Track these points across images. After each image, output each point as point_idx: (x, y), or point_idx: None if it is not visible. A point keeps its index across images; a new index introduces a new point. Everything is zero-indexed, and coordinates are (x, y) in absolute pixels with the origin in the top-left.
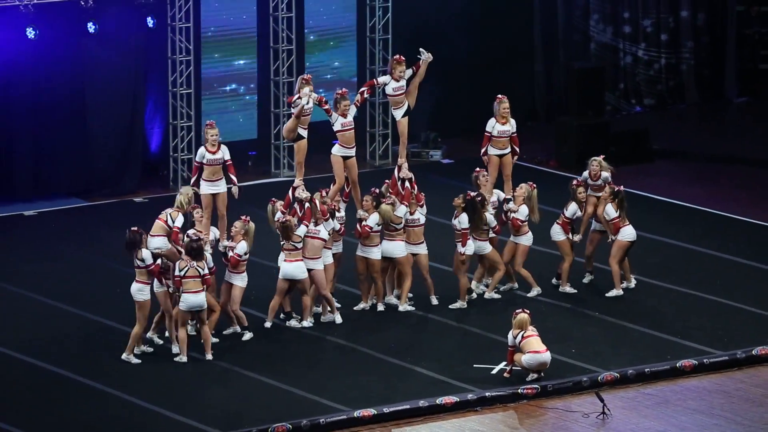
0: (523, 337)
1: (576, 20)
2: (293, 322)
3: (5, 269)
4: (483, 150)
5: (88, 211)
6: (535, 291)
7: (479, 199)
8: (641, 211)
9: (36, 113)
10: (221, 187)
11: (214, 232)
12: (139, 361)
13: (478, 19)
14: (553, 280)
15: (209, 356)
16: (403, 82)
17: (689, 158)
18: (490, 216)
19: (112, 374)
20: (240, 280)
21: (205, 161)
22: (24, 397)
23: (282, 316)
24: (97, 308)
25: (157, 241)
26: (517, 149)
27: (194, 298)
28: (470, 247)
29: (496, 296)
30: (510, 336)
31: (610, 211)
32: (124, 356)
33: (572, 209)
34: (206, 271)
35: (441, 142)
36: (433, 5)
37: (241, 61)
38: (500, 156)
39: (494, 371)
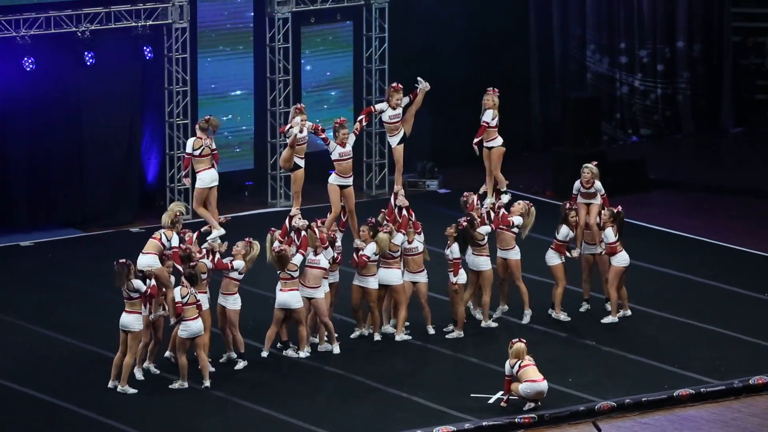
0: (520, 366)
1: (572, 50)
2: (290, 352)
3: (2, 300)
4: (477, 140)
5: (85, 241)
6: (527, 315)
7: (469, 219)
8: (638, 241)
9: (33, 144)
10: (214, 174)
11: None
12: (135, 390)
13: (475, 49)
14: (549, 310)
15: (207, 383)
16: (399, 110)
17: (686, 188)
18: (484, 228)
19: (108, 404)
20: (231, 303)
21: (195, 153)
22: (21, 428)
23: (279, 345)
24: (94, 338)
25: (147, 259)
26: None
27: (195, 324)
28: (462, 277)
29: (494, 325)
30: (507, 365)
31: (610, 234)
32: (120, 388)
33: (564, 232)
34: (201, 298)
35: (438, 172)
36: (429, 36)
37: (238, 92)
38: (489, 149)
39: (491, 400)
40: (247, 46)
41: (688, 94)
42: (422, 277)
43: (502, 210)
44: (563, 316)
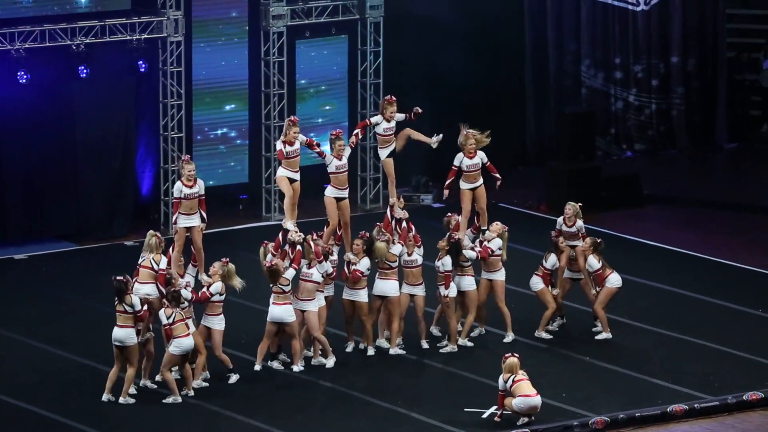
0: (513, 381)
1: (567, 65)
2: (275, 363)
3: None
4: (447, 182)
5: (79, 254)
6: (510, 337)
7: (456, 240)
8: (632, 256)
9: (27, 157)
10: (196, 220)
11: (189, 273)
12: (134, 400)
13: (470, 63)
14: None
15: (191, 392)
16: (393, 123)
17: (680, 203)
18: (470, 252)
19: (103, 417)
20: (218, 324)
21: (182, 195)
22: None
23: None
24: (89, 352)
25: (148, 289)
26: (498, 175)
27: (187, 341)
28: (453, 290)
29: (470, 344)
30: (501, 380)
31: (593, 263)
32: (122, 400)
33: (552, 261)
34: (185, 305)
35: (432, 186)
36: (424, 50)
37: (233, 106)
38: (472, 189)
39: (485, 415)
40: (242, 59)
41: (683, 110)
42: (420, 290)
43: (485, 243)
44: (545, 334)
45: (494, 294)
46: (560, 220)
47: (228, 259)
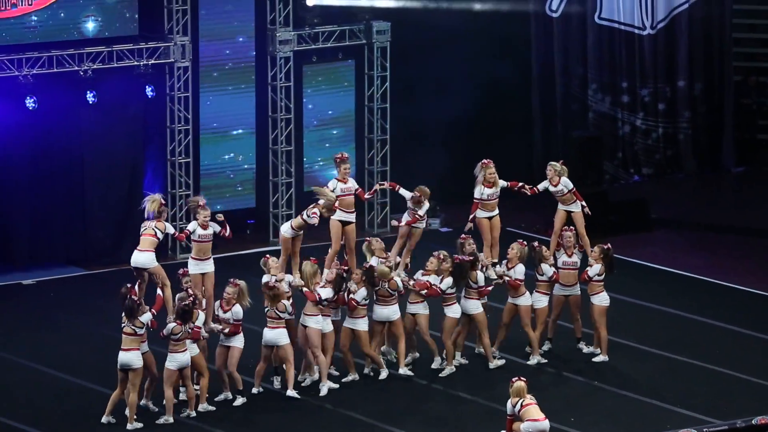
0: (522, 405)
1: (574, 90)
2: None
3: (4, 338)
4: (472, 216)
5: (87, 280)
6: (536, 359)
7: (472, 259)
8: (640, 280)
9: (35, 182)
10: (209, 266)
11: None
12: (141, 425)
13: (477, 87)
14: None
15: (193, 413)
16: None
17: (687, 227)
18: (480, 275)
19: None
20: (238, 341)
21: (196, 237)
22: None
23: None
24: (96, 377)
25: (145, 257)
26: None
27: (183, 357)
28: (457, 311)
29: (501, 363)
30: (509, 405)
31: (597, 269)
32: (129, 426)
33: (545, 269)
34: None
35: (439, 211)
36: (432, 74)
37: (240, 130)
38: (489, 218)
39: None
40: (249, 84)
41: (690, 134)
42: (423, 309)
43: (507, 278)
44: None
45: (520, 318)
46: (545, 183)
47: (234, 279)
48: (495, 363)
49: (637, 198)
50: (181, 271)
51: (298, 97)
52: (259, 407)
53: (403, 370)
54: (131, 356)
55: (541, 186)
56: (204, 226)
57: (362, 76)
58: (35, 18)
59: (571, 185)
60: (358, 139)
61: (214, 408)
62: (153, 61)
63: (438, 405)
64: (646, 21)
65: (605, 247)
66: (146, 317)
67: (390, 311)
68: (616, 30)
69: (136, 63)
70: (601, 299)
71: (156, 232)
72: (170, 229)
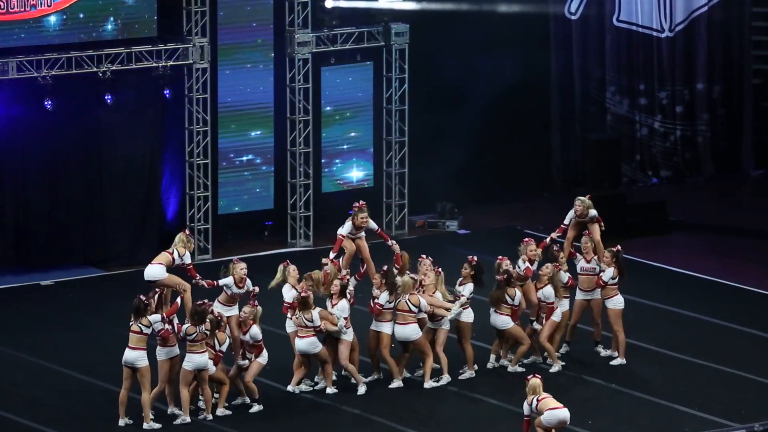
0: (538, 400)
1: (592, 92)
2: (302, 386)
3: (22, 339)
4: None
5: (105, 280)
6: (557, 367)
7: (506, 276)
8: (658, 283)
9: (53, 183)
10: (235, 310)
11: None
12: (160, 425)
13: (496, 89)
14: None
15: (210, 416)
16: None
17: (705, 230)
18: (517, 292)
19: None
20: (261, 358)
21: (229, 292)
22: None
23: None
24: (113, 377)
25: (155, 269)
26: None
27: (199, 358)
28: (470, 315)
29: (520, 369)
30: (525, 405)
31: (610, 273)
32: (145, 426)
33: (562, 277)
34: (220, 347)
35: (457, 213)
36: (450, 77)
37: (258, 132)
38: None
39: None
40: (267, 85)
41: (708, 136)
42: (444, 325)
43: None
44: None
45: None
46: (571, 214)
47: (255, 301)
48: (515, 368)
49: (655, 201)
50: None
51: (316, 98)
52: (284, 408)
53: (429, 384)
54: (135, 355)
55: (566, 219)
56: (240, 285)
57: (380, 78)
58: (54, 19)
59: (595, 212)
60: (376, 141)
61: (230, 412)
62: (171, 63)
63: (456, 407)
64: (664, 23)
65: (615, 249)
66: (154, 318)
67: (408, 331)
68: (634, 32)
69: (154, 64)
70: (616, 303)
71: (174, 251)
72: (187, 258)
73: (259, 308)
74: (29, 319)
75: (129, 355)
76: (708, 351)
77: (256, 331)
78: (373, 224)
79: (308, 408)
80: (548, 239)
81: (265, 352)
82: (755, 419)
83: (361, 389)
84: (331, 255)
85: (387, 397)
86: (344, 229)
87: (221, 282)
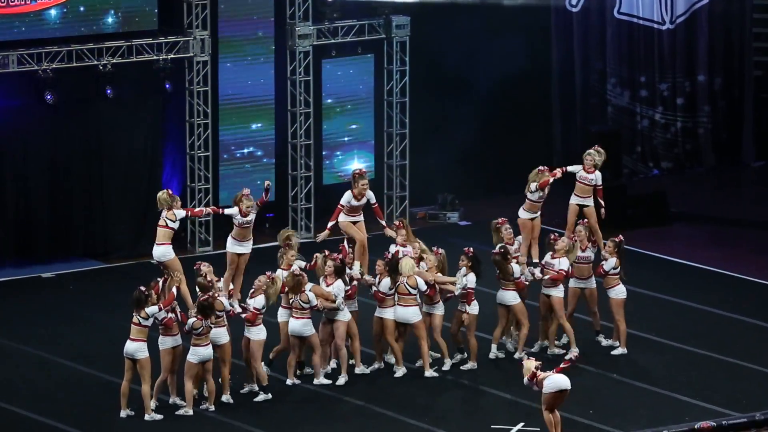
0: (537, 376)
1: (593, 84)
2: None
3: (23, 331)
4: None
5: (106, 273)
6: (574, 352)
7: (502, 251)
8: (659, 274)
9: (54, 176)
10: (248, 247)
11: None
12: (162, 416)
13: (497, 81)
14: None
15: (212, 407)
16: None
17: (706, 221)
18: (516, 266)
19: None
20: (256, 334)
21: (236, 222)
22: None
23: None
24: (115, 369)
25: (162, 250)
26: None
27: (204, 350)
28: (475, 308)
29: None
30: (525, 380)
31: (612, 263)
32: (147, 417)
33: (563, 262)
34: (221, 331)
35: (459, 204)
36: (451, 68)
37: (259, 124)
38: (531, 219)
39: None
40: (268, 78)
41: (709, 128)
42: (439, 309)
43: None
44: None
45: (553, 311)
46: (577, 168)
47: (272, 274)
48: (521, 355)
49: (656, 192)
50: (196, 265)
51: (317, 90)
52: (284, 398)
53: (429, 373)
54: (135, 346)
55: (571, 168)
56: (245, 213)
57: (381, 71)
58: (54, 12)
59: (600, 181)
60: (377, 133)
61: (232, 401)
62: (172, 56)
63: (458, 398)
64: (665, 15)
65: (618, 240)
66: (152, 310)
67: (408, 313)
68: (635, 24)
69: (155, 57)
70: (618, 292)
71: (167, 222)
72: (180, 214)
73: (278, 284)
74: (30, 311)
75: (129, 346)
76: (709, 341)
77: (261, 300)
78: (371, 194)
79: (310, 398)
80: (559, 171)
81: (262, 328)
82: (756, 409)
83: (341, 380)
84: (330, 224)
85: (388, 387)
86: (344, 199)
87: (227, 212)
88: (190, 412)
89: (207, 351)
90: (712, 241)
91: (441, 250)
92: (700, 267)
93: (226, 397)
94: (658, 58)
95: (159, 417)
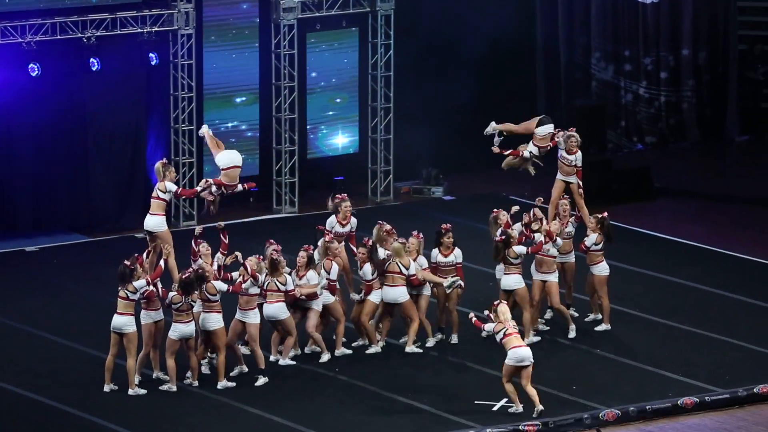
0: (504, 334)
1: (577, 58)
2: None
3: (6, 305)
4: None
5: (90, 246)
6: (573, 330)
7: (504, 237)
8: (643, 249)
9: (38, 149)
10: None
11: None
12: (145, 391)
13: (481, 56)
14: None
15: (195, 382)
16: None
17: (691, 196)
18: (520, 248)
19: (112, 409)
20: (252, 318)
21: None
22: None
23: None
24: (98, 344)
25: (156, 220)
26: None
27: (185, 327)
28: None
29: (536, 339)
30: (488, 326)
31: (594, 239)
32: (130, 392)
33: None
34: (215, 317)
35: (442, 179)
36: (435, 44)
37: (243, 98)
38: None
39: (495, 408)
40: (252, 52)
41: (694, 102)
42: (425, 290)
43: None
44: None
45: (549, 296)
46: (561, 150)
47: (261, 257)
48: (530, 339)
49: (640, 167)
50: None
51: (301, 64)
52: (271, 376)
53: (410, 349)
54: (123, 320)
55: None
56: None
57: (366, 45)
58: None
59: (581, 162)
60: (361, 107)
61: (233, 384)
62: (156, 29)
63: (441, 374)
64: None
65: (601, 216)
66: (140, 284)
67: (396, 293)
68: None
69: (139, 30)
70: (601, 269)
71: (158, 194)
72: (171, 187)
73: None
74: (14, 285)
75: (117, 320)
76: (693, 316)
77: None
78: (354, 222)
79: (295, 374)
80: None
81: (257, 311)
82: (739, 384)
83: (324, 357)
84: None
85: (370, 364)
86: (328, 224)
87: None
88: (174, 387)
89: (188, 328)
90: (696, 215)
91: (420, 235)
92: (683, 242)
93: (222, 384)
94: (642, 32)
95: (142, 392)
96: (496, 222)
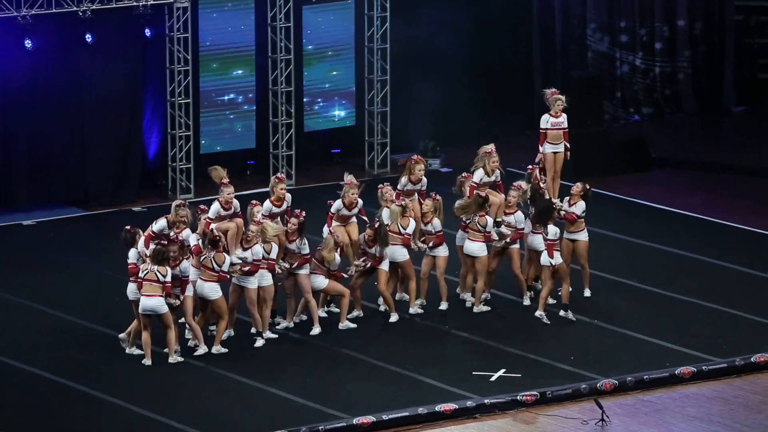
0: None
1: (573, 29)
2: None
3: (4, 279)
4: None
5: (87, 220)
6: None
7: (483, 196)
8: (639, 220)
9: (34, 123)
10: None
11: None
12: (182, 358)
13: (478, 28)
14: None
15: (171, 359)
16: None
17: (687, 167)
18: (489, 220)
19: (110, 382)
20: (252, 283)
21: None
22: (22, 406)
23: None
24: (96, 317)
25: (164, 222)
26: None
27: (147, 301)
28: (445, 250)
29: (485, 308)
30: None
31: (582, 206)
32: (171, 360)
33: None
34: (167, 279)
35: (440, 151)
36: (432, 16)
37: (239, 71)
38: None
39: (493, 378)
40: (248, 24)
41: (690, 73)
42: (442, 251)
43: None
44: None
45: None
46: (546, 117)
47: (261, 221)
48: (480, 308)
49: (636, 137)
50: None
51: (297, 37)
52: (268, 348)
53: (414, 309)
54: (156, 302)
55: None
56: (278, 204)
57: (362, 17)
58: None
59: (566, 124)
60: (358, 80)
61: (226, 350)
62: (152, 2)
63: (440, 345)
64: None
65: (588, 186)
66: (132, 252)
67: (396, 252)
68: None
69: (135, 3)
70: (585, 236)
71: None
72: (159, 226)
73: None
74: (11, 259)
75: (148, 302)
76: (690, 287)
77: (258, 250)
78: (361, 203)
79: (293, 346)
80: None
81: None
82: (736, 354)
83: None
84: (325, 230)
85: (370, 335)
86: (334, 207)
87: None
88: (149, 362)
89: (149, 302)
90: (692, 186)
91: (438, 196)
92: (680, 212)
93: (216, 348)
94: (638, 2)
95: (139, 352)
96: (530, 179)
